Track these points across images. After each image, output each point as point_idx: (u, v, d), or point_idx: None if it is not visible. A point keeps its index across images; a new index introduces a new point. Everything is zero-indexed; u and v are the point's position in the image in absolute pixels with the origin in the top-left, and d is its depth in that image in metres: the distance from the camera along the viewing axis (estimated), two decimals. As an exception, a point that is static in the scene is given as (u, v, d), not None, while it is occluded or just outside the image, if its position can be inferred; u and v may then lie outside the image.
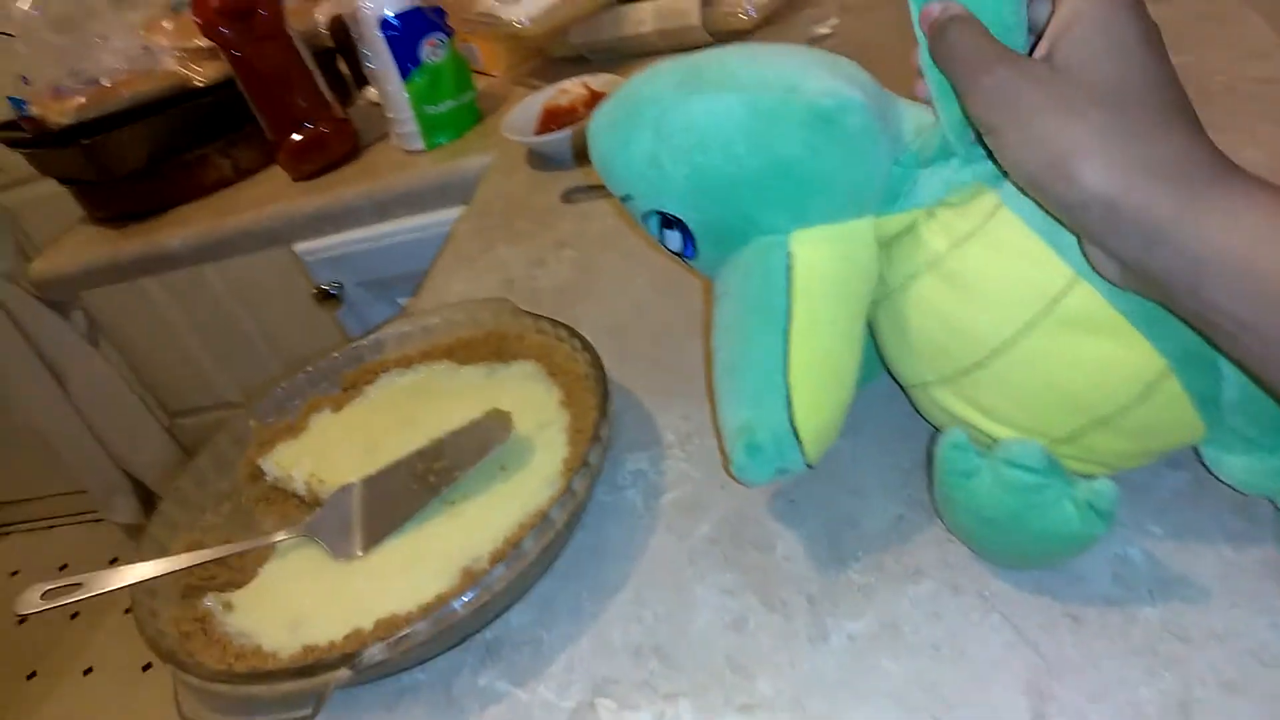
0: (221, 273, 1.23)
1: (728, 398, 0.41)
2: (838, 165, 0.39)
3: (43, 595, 0.48)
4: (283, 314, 1.28)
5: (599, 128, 0.45)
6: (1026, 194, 0.33)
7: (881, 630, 0.39)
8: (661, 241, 0.45)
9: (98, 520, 1.95)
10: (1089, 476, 0.36)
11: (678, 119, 0.41)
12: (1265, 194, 0.28)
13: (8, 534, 2.30)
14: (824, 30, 1.01)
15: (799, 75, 0.39)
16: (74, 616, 1.99)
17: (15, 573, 2.19)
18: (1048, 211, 0.33)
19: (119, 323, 1.41)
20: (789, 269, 0.40)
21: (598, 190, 0.84)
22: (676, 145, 0.41)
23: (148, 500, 1.82)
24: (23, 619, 2.00)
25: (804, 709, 0.38)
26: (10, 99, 1.15)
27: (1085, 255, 0.33)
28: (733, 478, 0.43)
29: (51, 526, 2.25)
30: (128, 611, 1.91)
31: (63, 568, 2.13)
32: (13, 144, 1.19)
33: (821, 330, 0.39)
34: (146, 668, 1.81)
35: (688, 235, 0.43)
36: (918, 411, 0.45)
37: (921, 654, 0.38)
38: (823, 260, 0.40)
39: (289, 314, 1.27)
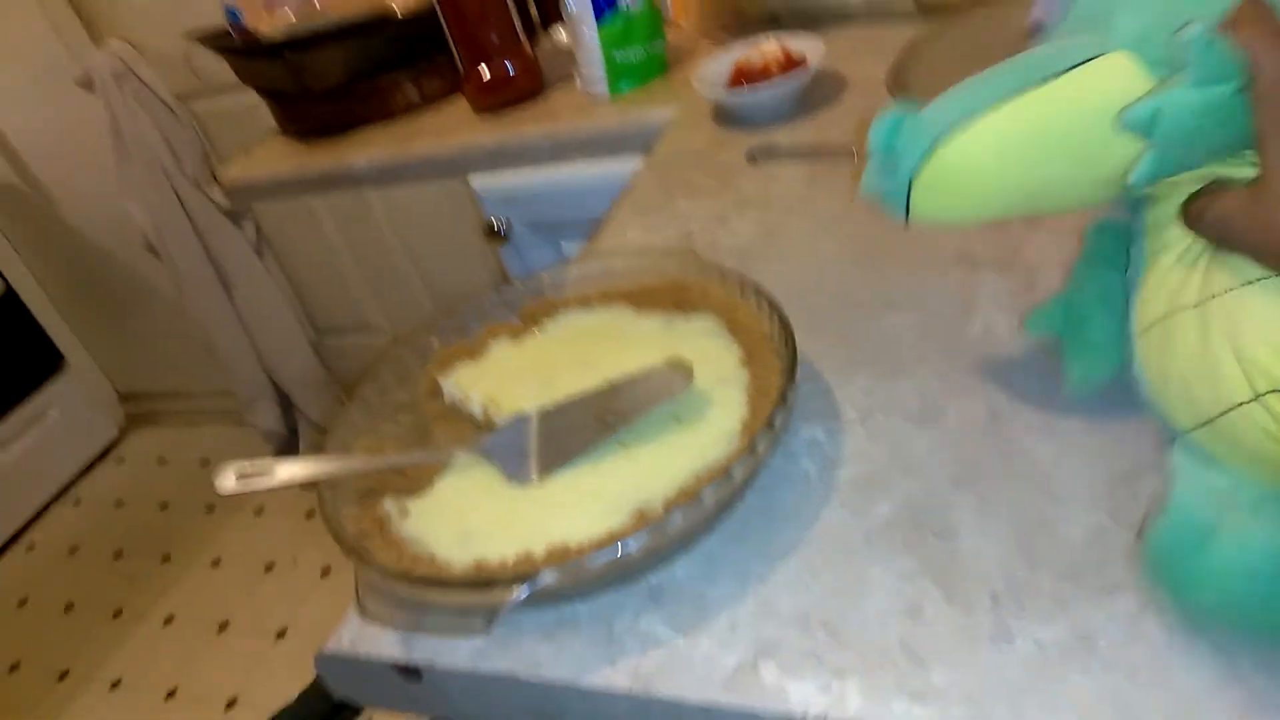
0: (385, 199, 1.28)
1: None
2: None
3: (237, 476, 0.51)
4: (440, 247, 1.32)
5: None
6: None
7: (1075, 642, 0.37)
8: None
9: (239, 423, 2.05)
10: None
11: None
12: None
13: (160, 424, 2.46)
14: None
15: None
16: (209, 509, 2.11)
17: (162, 460, 2.35)
18: None
19: (284, 237, 1.47)
20: (1091, 59, 0.35)
21: (786, 152, 0.82)
22: None
23: (286, 409, 1.92)
24: (165, 506, 2.16)
25: (981, 708, 0.36)
26: (227, 8, 1.21)
27: None
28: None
29: (198, 423, 2.40)
30: (258, 514, 2.04)
31: (204, 463, 2.27)
32: (224, 51, 1.26)
33: (1045, 121, 0.35)
34: (269, 567, 1.92)
35: None
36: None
37: (1116, 673, 0.36)
38: (1114, 87, 0.35)
39: (446, 248, 1.31)
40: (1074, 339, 0.47)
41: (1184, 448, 0.37)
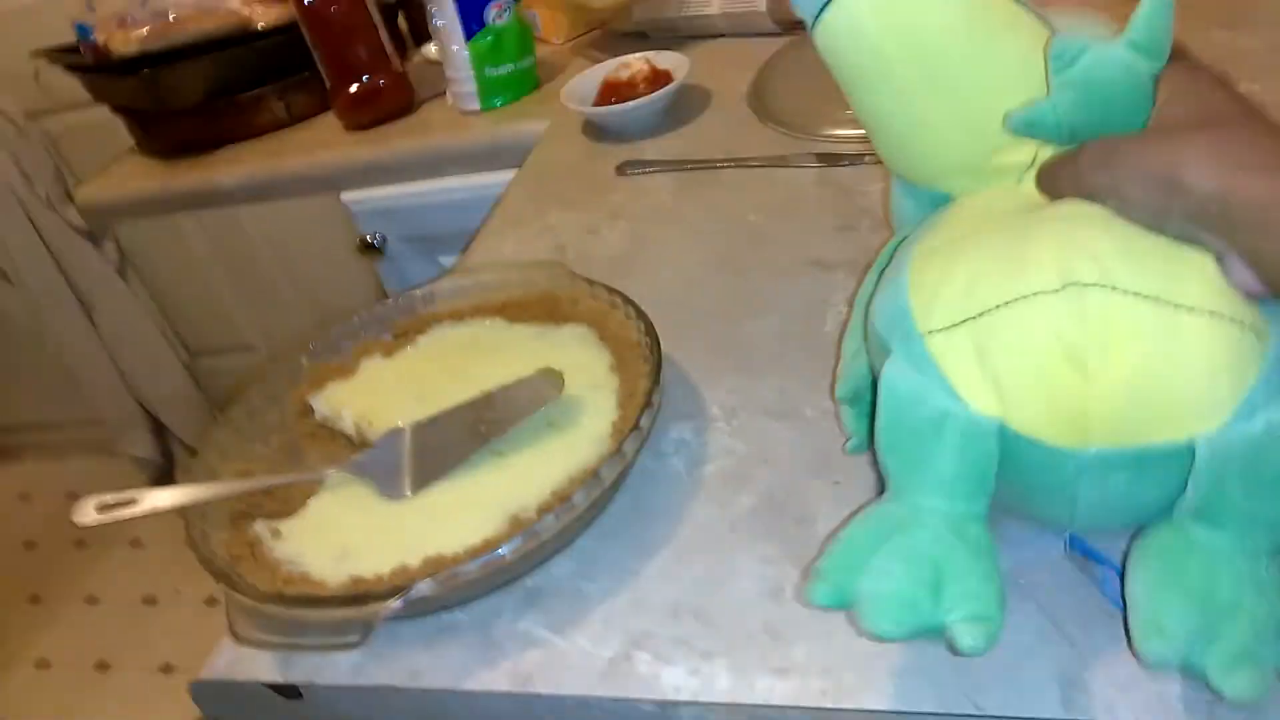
0: (257, 216, 1.25)
1: None
2: None
3: (98, 509, 0.50)
4: (315, 263, 1.30)
5: None
6: (1161, 229, 0.34)
7: (918, 611, 0.41)
8: None
9: (109, 453, 1.95)
10: None
11: None
12: None
13: (20, 458, 2.32)
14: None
15: None
16: (79, 544, 2.00)
17: (24, 496, 2.21)
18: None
19: (149, 257, 1.42)
20: None
21: (653, 164, 0.85)
22: None
23: (161, 435, 1.84)
24: (30, 543, 2.04)
25: (836, 678, 0.39)
26: (77, 25, 1.16)
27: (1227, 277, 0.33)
28: None
29: (63, 455, 2.27)
30: (134, 546, 1.95)
31: (71, 497, 2.14)
32: (74, 68, 1.21)
33: (993, 10, 0.39)
34: (150, 601, 1.84)
35: None
36: None
37: (955, 636, 0.39)
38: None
39: (321, 264, 1.29)
40: (855, 410, 0.49)
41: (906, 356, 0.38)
